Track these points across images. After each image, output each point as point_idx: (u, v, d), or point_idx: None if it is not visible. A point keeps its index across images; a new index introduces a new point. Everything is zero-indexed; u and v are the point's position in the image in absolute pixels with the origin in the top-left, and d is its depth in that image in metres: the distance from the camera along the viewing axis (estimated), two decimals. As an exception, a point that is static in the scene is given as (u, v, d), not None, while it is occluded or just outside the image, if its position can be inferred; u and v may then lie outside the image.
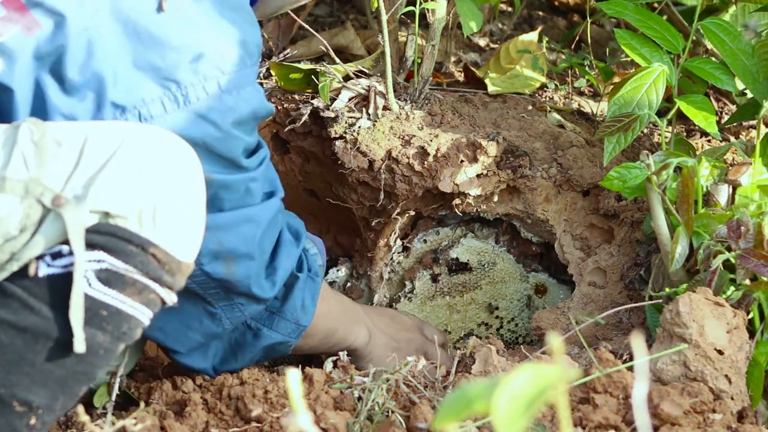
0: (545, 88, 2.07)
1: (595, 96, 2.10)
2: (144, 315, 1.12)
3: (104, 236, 1.08)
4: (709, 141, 2.01)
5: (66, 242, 1.07)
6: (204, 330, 1.35)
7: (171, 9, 1.19)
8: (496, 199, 1.86)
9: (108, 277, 1.09)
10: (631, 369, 1.32)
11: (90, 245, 1.08)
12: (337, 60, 1.89)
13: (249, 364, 1.46)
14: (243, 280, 1.32)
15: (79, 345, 1.07)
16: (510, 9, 2.52)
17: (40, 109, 1.17)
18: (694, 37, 1.74)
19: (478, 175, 1.81)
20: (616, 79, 1.94)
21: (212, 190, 1.23)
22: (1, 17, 1.12)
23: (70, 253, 1.07)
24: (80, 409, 1.11)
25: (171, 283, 1.12)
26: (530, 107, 1.94)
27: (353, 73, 1.89)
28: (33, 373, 1.09)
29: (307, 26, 1.96)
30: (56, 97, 1.16)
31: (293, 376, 0.63)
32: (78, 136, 1.10)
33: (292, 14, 2.00)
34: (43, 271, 1.08)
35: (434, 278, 1.91)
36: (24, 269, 1.08)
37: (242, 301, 1.34)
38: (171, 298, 1.13)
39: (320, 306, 1.52)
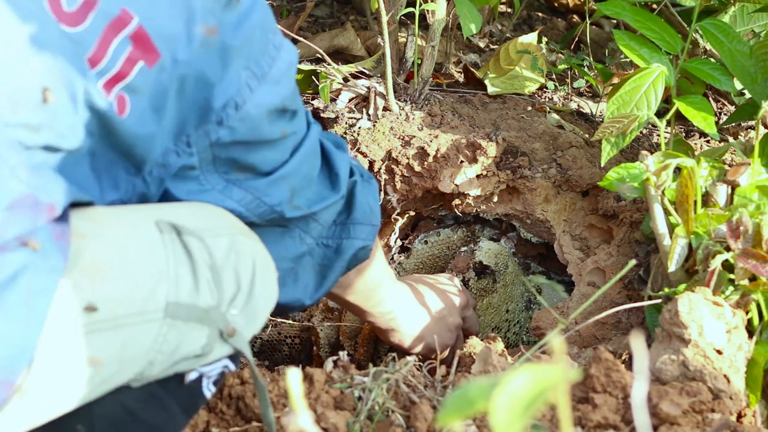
0: (544, 89, 2.07)
1: (594, 97, 2.10)
2: None
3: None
4: (707, 141, 2.01)
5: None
6: (290, 254, 1.37)
7: None
8: (495, 199, 1.86)
9: (219, 379, 1.21)
10: (629, 368, 1.32)
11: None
12: (334, 65, 1.90)
13: (339, 279, 1.48)
14: (308, 207, 1.33)
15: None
16: (509, 10, 2.52)
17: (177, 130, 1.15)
18: (693, 38, 1.75)
19: (477, 176, 1.81)
20: (615, 80, 1.95)
21: (286, 141, 1.25)
22: (129, 53, 1.04)
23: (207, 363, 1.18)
24: None
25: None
26: (529, 108, 1.95)
27: (353, 74, 1.89)
28: None
29: (300, 38, 1.97)
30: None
31: (293, 376, 0.63)
32: (227, 255, 1.17)
33: (284, 29, 2.00)
34: (189, 377, 1.19)
35: (465, 283, 1.89)
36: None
37: (315, 217, 1.36)
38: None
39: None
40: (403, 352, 1.70)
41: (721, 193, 1.50)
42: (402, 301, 1.65)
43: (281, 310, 1.43)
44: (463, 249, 1.91)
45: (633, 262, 1.26)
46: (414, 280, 1.74)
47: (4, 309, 0.94)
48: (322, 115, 1.86)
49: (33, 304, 0.96)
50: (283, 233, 1.34)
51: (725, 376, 1.30)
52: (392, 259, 1.93)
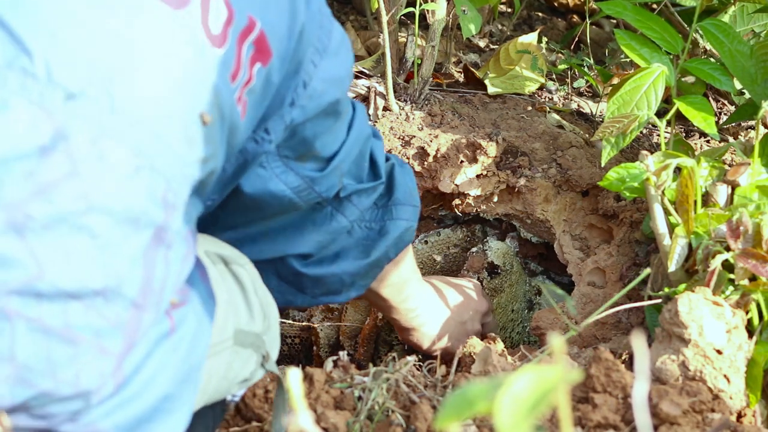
0: (544, 89, 2.07)
1: (595, 96, 2.10)
2: None
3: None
4: (707, 141, 2.01)
5: None
6: (319, 227, 1.35)
7: None
8: (495, 199, 1.86)
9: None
10: (629, 368, 1.32)
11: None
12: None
13: (385, 262, 1.45)
14: (350, 186, 1.33)
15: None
16: (509, 10, 2.52)
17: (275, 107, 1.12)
18: (693, 38, 1.75)
19: (477, 176, 1.81)
20: (615, 80, 1.95)
21: (344, 120, 1.23)
22: (251, 57, 1.00)
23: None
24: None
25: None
26: (530, 108, 1.95)
27: (353, 74, 1.89)
28: None
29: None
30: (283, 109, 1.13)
31: (293, 376, 0.63)
32: (267, 295, 1.21)
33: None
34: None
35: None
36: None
37: (353, 200, 1.35)
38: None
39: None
40: (422, 353, 1.69)
41: (721, 193, 1.50)
42: (426, 300, 1.64)
43: (323, 290, 1.42)
44: (473, 249, 1.91)
45: (648, 270, 1.26)
46: (440, 282, 1.73)
47: (190, 363, 0.95)
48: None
49: (197, 359, 0.98)
50: (314, 209, 1.32)
51: (725, 376, 1.30)
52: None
